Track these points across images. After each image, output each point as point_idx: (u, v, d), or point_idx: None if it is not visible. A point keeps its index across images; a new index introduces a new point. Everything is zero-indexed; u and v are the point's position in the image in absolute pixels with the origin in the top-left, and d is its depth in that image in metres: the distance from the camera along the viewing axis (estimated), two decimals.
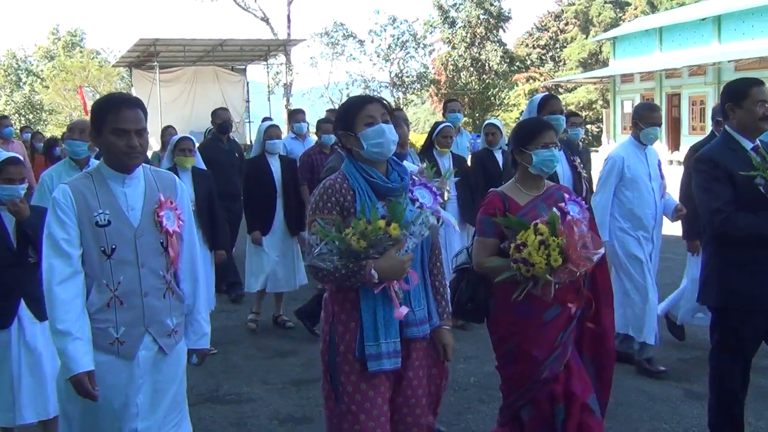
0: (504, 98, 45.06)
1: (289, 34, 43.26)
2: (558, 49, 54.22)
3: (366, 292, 3.40)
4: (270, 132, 7.99)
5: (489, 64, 46.74)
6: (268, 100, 36.86)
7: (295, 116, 11.32)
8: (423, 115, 63.16)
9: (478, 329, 6.19)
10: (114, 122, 3.32)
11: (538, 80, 46.82)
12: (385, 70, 47.29)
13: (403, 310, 3.35)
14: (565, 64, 52.98)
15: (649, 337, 6.36)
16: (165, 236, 3.48)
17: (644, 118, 6.36)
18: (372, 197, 3.43)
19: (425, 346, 3.63)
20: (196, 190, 7.19)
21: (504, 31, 49.22)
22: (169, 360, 3.55)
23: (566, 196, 4.11)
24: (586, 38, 48.77)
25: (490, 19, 46.78)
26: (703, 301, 4.61)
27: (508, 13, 47.78)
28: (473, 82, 46.17)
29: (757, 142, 4.35)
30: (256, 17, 45.35)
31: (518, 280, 3.77)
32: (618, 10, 54.11)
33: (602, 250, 3.95)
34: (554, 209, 3.87)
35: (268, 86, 36.23)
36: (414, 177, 3.62)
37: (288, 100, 42.35)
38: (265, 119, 7.42)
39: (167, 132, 11.55)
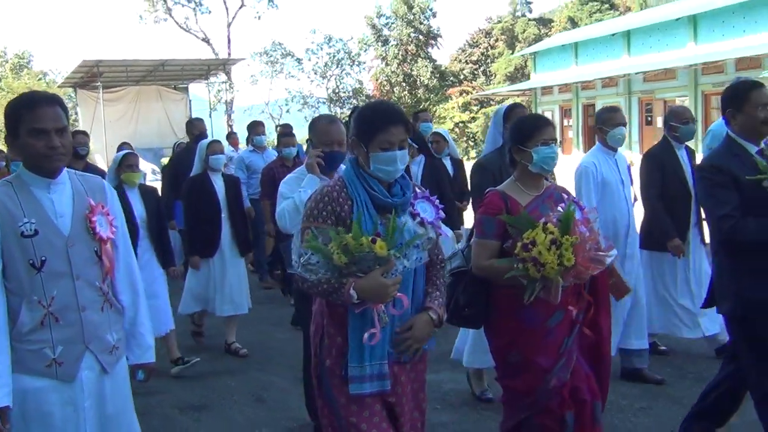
0: (435, 111, 45.43)
1: (229, 54, 43.56)
2: (488, 64, 54.75)
3: (353, 310, 3.13)
4: (213, 147, 7.36)
5: (420, 79, 47.84)
6: (210, 116, 37.26)
7: (255, 129, 10.87)
8: None
9: None
10: (30, 122, 2.93)
11: (471, 93, 47.69)
12: (322, 87, 48.25)
13: (372, 332, 3.05)
14: (495, 77, 53.54)
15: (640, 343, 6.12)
16: (99, 244, 3.12)
17: (607, 121, 6.14)
18: (371, 210, 3.18)
19: (417, 368, 3.38)
20: (147, 208, 6.73)
21: (437, 48, 50.46)
22: (112, 379, 3.16)
23: (565, 196, 3.94)
24: (512, 54, 49.86)
25: (420, 37, 48.02)
26: (720, 310, 4.29)
27: (437, 31, 49.16)
28: (405, 97, 46.96)
29: (762, 144, 4.10)
30: (197, 38, 45.88)
31: (524, 283, 3.52)
32: (542, 26, 54.87)
33: (615, 252, 3.86)
34: (571, 204, 3.66)
35: (210, 103, 36.65)
36: (417, 189, 3.40)
37: (230, 117, 42.48)
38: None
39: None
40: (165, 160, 18.33)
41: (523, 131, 3.93)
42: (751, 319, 4.01)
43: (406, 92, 47.54)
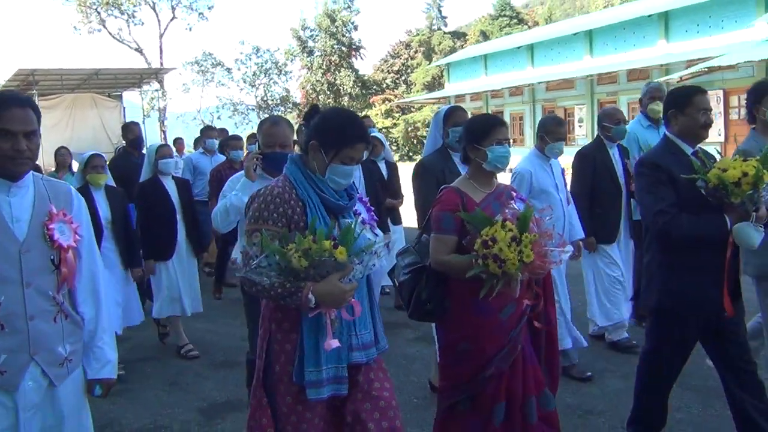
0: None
1: (161, 63, 43.14)
2: (408, 74, 55.14)
3: (307, 314, 2.95)
4: (161, 152, 6.98)
5: (343, 88, 48.06)
6: (143, 123, 36.89)
7: (207, 133, 10.57)
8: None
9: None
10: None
11: (392, 101, 47.89)
12: (251, 95, 48.06)
13: (333, 343, 2.91)
14: (414, 86, 53.84)
15: (565, 342, 5.84)
16: (57, 252, 2.84)
17: (551, 133, 5.93)
18: (323, 213, 3.04)
19: (374, 368, 3.19)
20: (112, 209, 6.47)
21: (361, 58, 50.53)
22: (61, 393, 2.88)
23: (514, 194, 3.89)
24: (429, 64, 50.41)
25: (343, 48, 48.23)
26: (644, 303, 4.28)
27: (359, 42, 49.52)
28: (330, 104, 46.31)
29: (697, 148, 4.12)
30: (130, 48, 45.16)
31: (484, 277, 3.42)
32: (456, 39, 55.52)
33: (570, 249, 3.86)
34: (530, 203, 3.66)
35: (143, 110, 36.28)
36: (355, 189, 3.31)
37: (163, 123, 41.22)
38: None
39: (60, 153, 10.71)
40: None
41: (478, 131, 3.83)
42: (672, 312, 4.01)
43: (330, 100, 47.66)
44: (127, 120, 31.98)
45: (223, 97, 48.22)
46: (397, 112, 47.63)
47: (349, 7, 48.50)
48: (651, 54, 25.78)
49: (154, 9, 44.92)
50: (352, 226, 2.90)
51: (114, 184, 6.73)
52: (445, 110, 5.39)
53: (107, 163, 7.22)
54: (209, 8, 45.53)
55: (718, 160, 3.95)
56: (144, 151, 9.00)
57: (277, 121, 4.74)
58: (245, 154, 9.00)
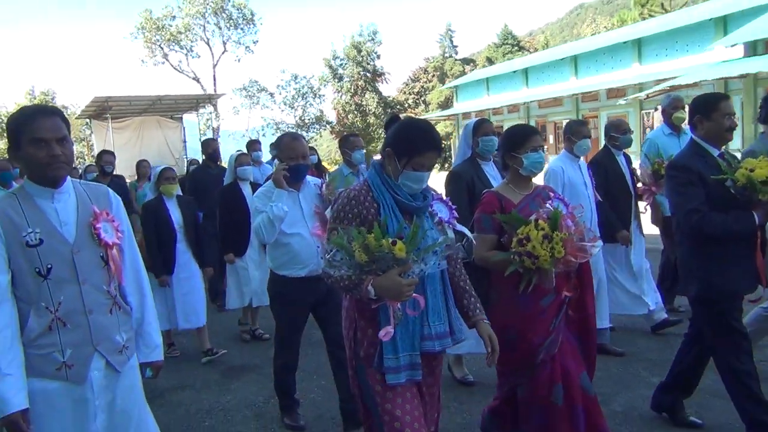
0: (381, 133, 45.01)
1: (215, 90, 44.03)
2: (426, 95, 54.75)
3: (385, 305, 2.81)
4: (240, 160, 6.90)
5: (368, 108, 47.91)
6: (200, 140, 37.89)
7: (252, 146, 10.22)
8: (322, 145, 63.68)
9: None
10: (31, 132, 2.58)
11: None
12: (291, 115, 47.90)
13: (388, 334, 2.77)
14: (430, 105, 52.93)
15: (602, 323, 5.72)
16: (104, 249, 2.75)
17: (576, 133, 5.85)
18: (397, 213, 2.89)
19: (439, 360, 3.10)
20: (184, 215, 6.35)
21: (386, 82, 50.22)
22: (123, 378, 2.80)
23: (551, 194, 3.72)
24: (442, 87, 50.67)
25: (368, 75, 48.18)
26: (684, 293, 4.08)
27: (382, 69, 49.13)
28: (358, 122, 47.08)
29: (722, 150, 3.92)
30: (188, 77, 46.17)
31: (521, 272, 3.35)
32: (465, 65, 55.18)
33: (600, 243, 3.63)
34: (558, 205, 3.51)
35: (200, 130, 37.01)
36: (433, 192, 3.15)
37: (217, 141, 43.46)
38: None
39: (142, 165, 10.68)
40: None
41: (515, 140, 3.71)
42: (714, 301, 3.83)
43: (358, 119, 47.65)
44: (187, 138, 33.06)
45: (267, 117, 48.23)
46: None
47: (372, 39, 48.48)
48: (627, 75, 25.81)
49: (208, 44, 45.77)
50: (416, 225, 2.80)
51: (182, 194, 6.63)
52: (473, 123, 5.23)
53: (187, 174, 7.69)
54: (254, 42, 46.19)
55: (741, 161, 3.75)
56: (220, 163, 9.36)
57: (296, 137, 4.60)
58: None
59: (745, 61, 19.24)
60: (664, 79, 21.12)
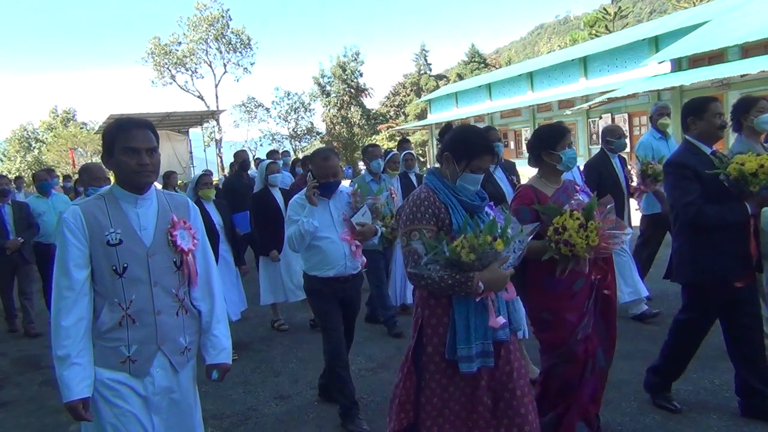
0: (364, 142, 44.72)
1: (217, 106, 44.46)
2: (405, 108, 54.55)
3: (459, 298, 2.71)
4: (270, 168, 6.73)
5: (353, 120, 47.90)
6: (204, 151, 37.63)
7: (274, 156, 10.19)
8: None
9: None
10: (124, 142, 2.51)
11: (393, 128, 47.10)
12: (285, 128, 48.01)
13: (501, 320, 2.72)
14: (408, 116, 52.52)
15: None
16: (179, 255, 2.64)
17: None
18: (463, 212, 2.79)
19: (511, 348, 2.90)
20: (222, 217, 6.19)
21: (370, 96, 50.19)
22: (181, 377, 2.69)
23: (578, 187, 3.60)
24: (418, 100, 50.85)
25: (352, 90, 48.19)
26: (679, 279, 3.90)
27: (365, 85, 49.19)
28: (344, 133, 47.18)
29: (714, 148, 3.83)
30: (194, 95, 46.28)
31: (557, 258, 3.23)
32: (439, 80, 55.34)
33: (629, 231, 3.54)
34: (593, 197, 3.38)
35: (204, 142, 37.21)
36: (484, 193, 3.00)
37: (220, 151, 42.67)
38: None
39: (171, 176, 9.89)
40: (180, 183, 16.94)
41: (552, 138, 3.56)
42: (703, 284, 3.74)
43: (344, 130, 47.64)
44: (193, 149, 33.09)
45: (264, 129, 48.45)
46: (398, 136, 46.85)
47: (355, 59, 48.56)
48: (575, 88, 26.09)
49: (210, 66, 45.96)
50: (495, 220, 2.71)
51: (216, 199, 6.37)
52: (487, 134, 4.91)
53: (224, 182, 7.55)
54: (252, 64, 46.45)
55: (731, 158, 3.67)
56: (249, 172, 9.19)
57: (327, 156, 4.37)
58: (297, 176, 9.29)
59: (672, 75, 19.67)
60: (607, 92, 21.43)
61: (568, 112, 23.96)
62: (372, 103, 53.07)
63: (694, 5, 34.85)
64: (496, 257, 2.63)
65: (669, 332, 4.03)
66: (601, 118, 24.34)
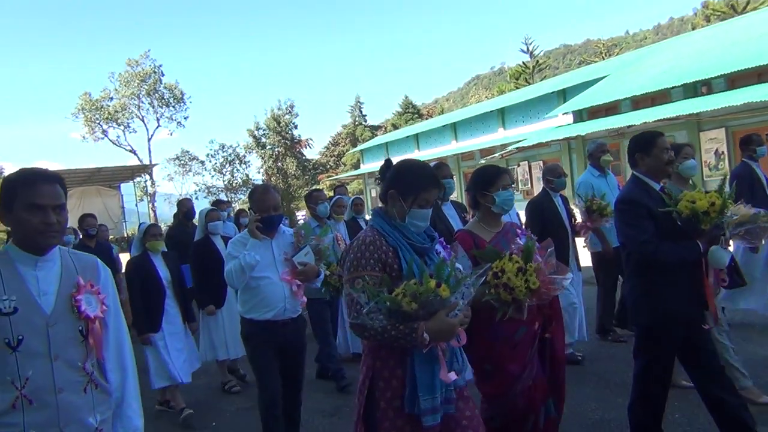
0: (301, 193, 46.35)
1: (150, 160, 44.45)
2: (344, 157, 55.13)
3: (422, 350, 2.51)
4: (211, 215, 6.50)
5: (288, 171, 48.45)
6: (136, 206, 37.79)
7: (221, 205, 10.28)
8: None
9: None
10: (28, 197, 2.20)
11: (332, 177, 47.69)
12: (220, 180, 48.11)
13: (452, 375, 2.54)
14: (345, 166, 53.87)
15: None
16: (84, 323, 2.29)
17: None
18: (413, 255, 2.64)
19: (464, 394, 2.81)
20: (170, 271, 5.82)
21: (309, 147, 50.81)
22: None
23: (519, 231, 3.56)
24: (352, 150, 51.89)
25: (287, 142, 48.78)
26: (634, 322, 3.79)
27: (299, 137, 49.81)
28: (279, 183, 47.21)
29: (662, 184, 3.78)
30: (126, 150, 46.59)
31: (495, 305, 3.11)
32: (374, 131, 56.80)
33: (570, 275, 3.45)
34: (531, 238, 3.29)
35: (136, 196, 37.47)
36: (433, 232, 2.87)
37: (153, 204, 42.61)
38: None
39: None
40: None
41: (486, 179, 3.53)
42: (658, 326, 3.64)
43: (280, 181, 48.04)
44: (125, 205, 33.14)
45: (199, 182, 48.45)
46: (338, 185, 47.08)
47: (290, 112, 49.49)
48: (494, 137, 27.50)
49: (143, 120, 46.36)
50: (442, 263, 2.56)
51: (166, 250, 6.07)
52: (432, 166, 4.58)
53: (166, 233, 7.17)
54: (185, 118, 47.12)
55: (680, 194, 3.63)
56: (194, 221, 8.60)
57: (267, 189, 4.36)
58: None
59: (573, 126, 21.68)
60: (522, 140, 22.99)
61: (483, 161, 25.19)
62: (312, 153, 53.87)
63: (603, 59, 37.92)
64: (442, 305, 2.45)
65: (633, 386, 3.85)
66: (519, 165, 26.08)
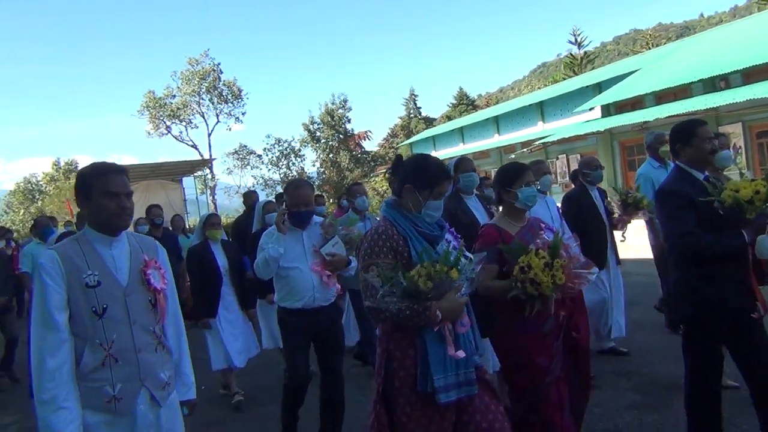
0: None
1: (210, 154, 46.49)
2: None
3: (429, 328, 2.67)
4: (267, 207, 6.55)
5: (342, 164, 48.88)
6: (197, 199, 39.21)
7: (280, 199, 9.42)
8: None
9: None
10: (104, 186, 2.58)
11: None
12: (276, 173, 48.98)
13: (459, 353, 2.69)
14: None
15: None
16: (153, 294, 2.70)
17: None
18: (423, 243, 2.80)
19: (490, 386, 2.93)
20: (229, 259, 6.02)
21: (369, 139, 51.42)
22: (165, 412, 2.74)
23: (543, 225, 3.62)
24: (402, 143, 49.60)
25: (341, 136, 49.35)
26: (680, 315, 3.76)
27: (353, 131, 50.37)
28: (333, 177, 48.07)
29: (706, 174, 3.68)
30: (188, 145, 48.59)
31: (522, 299, 3.16)
32: (427, 124, 56.69)
33: (596, 270, 3.44)
34: (558, 234, 3.30)
35: (196, 190, 39.40)
36: (444, 222, 3.00)
37: (214, 197, 44.39)
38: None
39: (175, 219, 10.34)
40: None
41: (510, 176, 3.62)
42: (704, 319, 3.58)
43: (334, 174, 48.46)
44: (187, 197, 35.51)
45: (257, 176, 49.50)
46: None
47: (343, 106, 49.74)
48: (534, 131, 27.59)
49: (203, 117, 48.09)
50: (449, 250, 2.73)
51: (227, 239, 6.14)
52: (454, 161, 5.04)
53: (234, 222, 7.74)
54: (243, 113, 48.56)
55: (726, 183, 3.56)
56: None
57: (300, 185, 4.49)
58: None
59: (602, 120, 22.50)
60: (547, 136, 23.70)
61: (512, 156, 25.88)
62: (371, 145, 53.78)
63: (650, 49, 38.02)
64: (451, 285, 2.66)
65: (685, 383, 3.79)
66: (557, 158, 27.09)
